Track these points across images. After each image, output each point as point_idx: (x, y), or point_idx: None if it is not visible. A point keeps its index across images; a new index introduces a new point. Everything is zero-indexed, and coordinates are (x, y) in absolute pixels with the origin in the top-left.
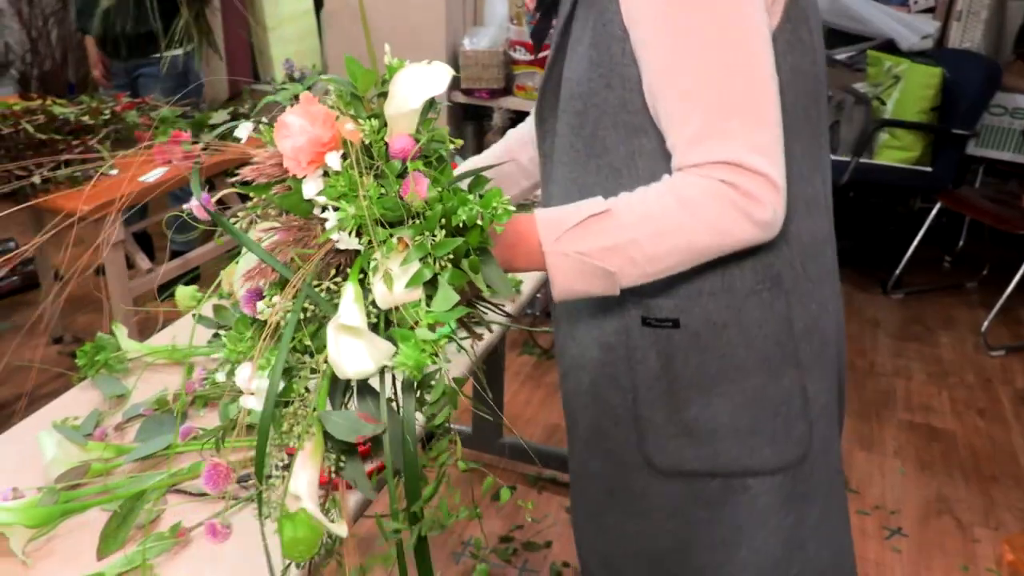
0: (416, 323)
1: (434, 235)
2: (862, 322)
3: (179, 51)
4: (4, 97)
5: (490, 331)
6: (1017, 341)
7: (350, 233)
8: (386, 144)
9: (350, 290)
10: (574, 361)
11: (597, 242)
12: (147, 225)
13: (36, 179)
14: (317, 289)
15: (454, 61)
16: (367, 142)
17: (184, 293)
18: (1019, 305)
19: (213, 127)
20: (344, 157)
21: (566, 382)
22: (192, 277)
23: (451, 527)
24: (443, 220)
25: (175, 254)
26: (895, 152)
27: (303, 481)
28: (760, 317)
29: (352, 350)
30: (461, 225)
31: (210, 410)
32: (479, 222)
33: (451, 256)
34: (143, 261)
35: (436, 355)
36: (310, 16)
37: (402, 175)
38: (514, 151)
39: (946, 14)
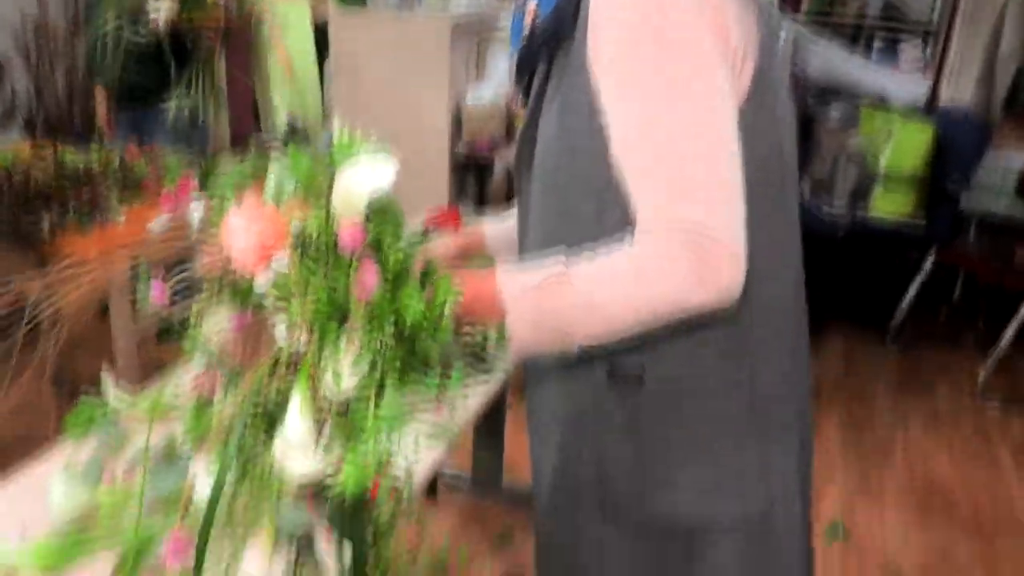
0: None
1: (382, 338)
2: (860, 373)
3: (186, 102)
4: (13, 144)
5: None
6: (1013, 393)
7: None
8: (336, 234)
9: (296, 401)
10: (542, 417)
11: (556, 303)
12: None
13: (44, 226)
14: (268, 387)
15: (457, 115)
16: (315, 235)
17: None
18: (1015, 357)
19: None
20: (295, 247)
21: (534, 437)
22: None
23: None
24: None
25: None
26: (890, 206)
27: (252, 569)
28: (723, 379)
29: (297, 455)
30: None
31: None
32: (425, 324)
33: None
34: None
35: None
36: (312, 64)
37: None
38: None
39: (936, 73)
